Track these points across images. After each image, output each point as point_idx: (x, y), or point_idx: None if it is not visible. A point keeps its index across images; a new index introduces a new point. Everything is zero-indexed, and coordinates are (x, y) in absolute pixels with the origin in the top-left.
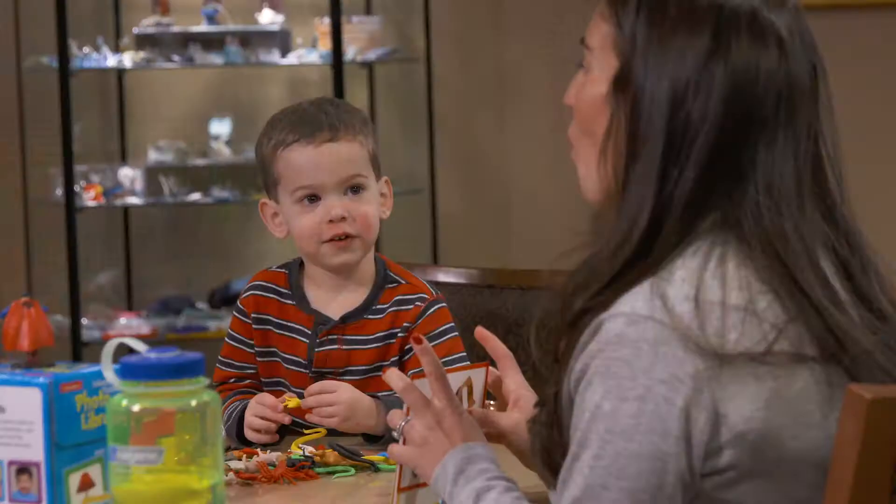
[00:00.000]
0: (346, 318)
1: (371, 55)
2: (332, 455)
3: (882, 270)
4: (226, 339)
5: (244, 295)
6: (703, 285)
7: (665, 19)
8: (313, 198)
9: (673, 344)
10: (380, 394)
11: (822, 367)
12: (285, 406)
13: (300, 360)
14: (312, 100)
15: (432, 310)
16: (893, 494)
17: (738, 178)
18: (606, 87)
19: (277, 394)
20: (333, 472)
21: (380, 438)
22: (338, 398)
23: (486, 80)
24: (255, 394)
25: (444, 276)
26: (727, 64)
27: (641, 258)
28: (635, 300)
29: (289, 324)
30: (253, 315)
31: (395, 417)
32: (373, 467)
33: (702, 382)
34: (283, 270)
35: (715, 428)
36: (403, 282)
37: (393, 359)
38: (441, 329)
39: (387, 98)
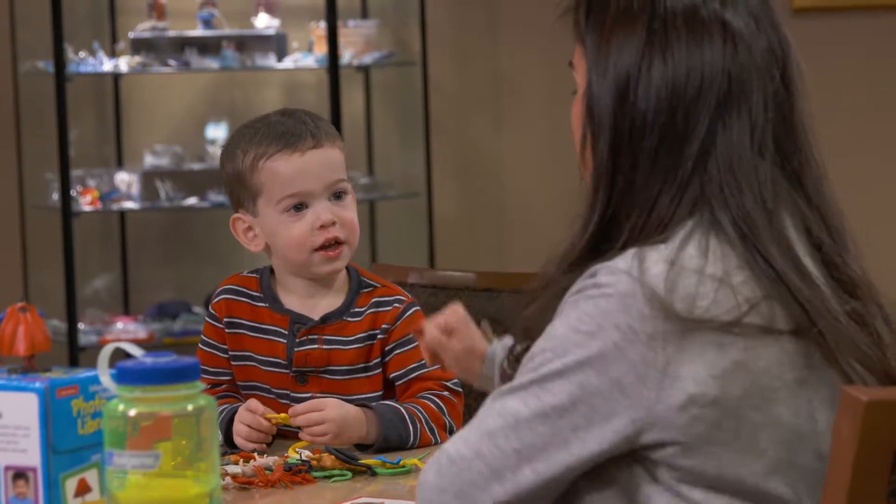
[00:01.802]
0: (326, 319)
1: (367, 59)
2: (328, 459)
3: (851, 243)
4: (199, 345)
5: (215, 299)
6: (684, 253)
7: (605, 21)
8: (300, 206)
9: (640, 300)
10: (372, 404)
11: (795, 343)
12: (273, 420)
13: (279, 360)
14: (279, 111)
15: (410, 312)
16: (890, 496)
17: (698, 163)
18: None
19: (256, 398)
20: (330, 477)
21: (371, 446)
22: (326, 416)
23: (482, 84)
24: (234, 398)
25: (441, 280)
26: (665, 57)
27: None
28: (621, 258)
29: (263, 326)
30: (225, 319)
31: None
32: (370, 471)
33: (657, 343)
34: (254, 275)
35: (666, 388)
36: (378, 285)
37: (375, 360)
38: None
39: (383, 102)
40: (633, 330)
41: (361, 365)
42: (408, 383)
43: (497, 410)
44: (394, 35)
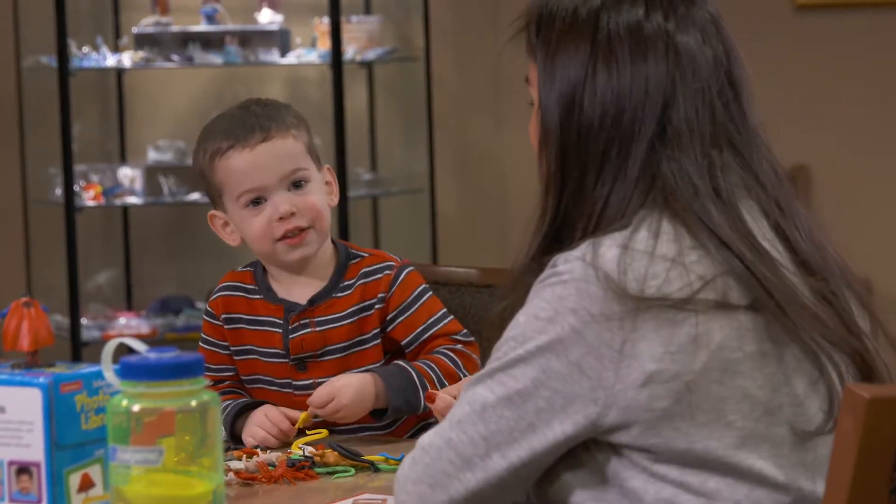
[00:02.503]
0: (313, 301)
1: (370, 55)
2: (332, 455)
3: (804, 219)
4: (200, 343)
5: (212, 298)
6: (637, 236)
7: (552, 37)
8: (259, 200)
9: (594, 283)
10: (378, 370)
11: (753, 317)
12: (297, 426)
13: (277, 350)
14: (240, 103)
15: (403, 275)
16: (892, 493)
17: (646, 162)
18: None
19: (258, 392)
20: (333, 473)
21: (385, 412)
22: (339, 403)
23: (485, 80)
24: (237, 393)
25: (443, 276)
26: (609, 69)
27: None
28: (578, 247)
29: (260, 318)
30: (223, 316)
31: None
32: (372, 467)
33: (613, 324)
34: (249, 269)
35: (624, 367)
36: (365, 254)
37: (374, 331)
38: (417, 292)
39: (386, 98)
40: (588, 313)
41: (357, 339)
42: (419, 346)
43: (467, 399)
44: (397, 31)
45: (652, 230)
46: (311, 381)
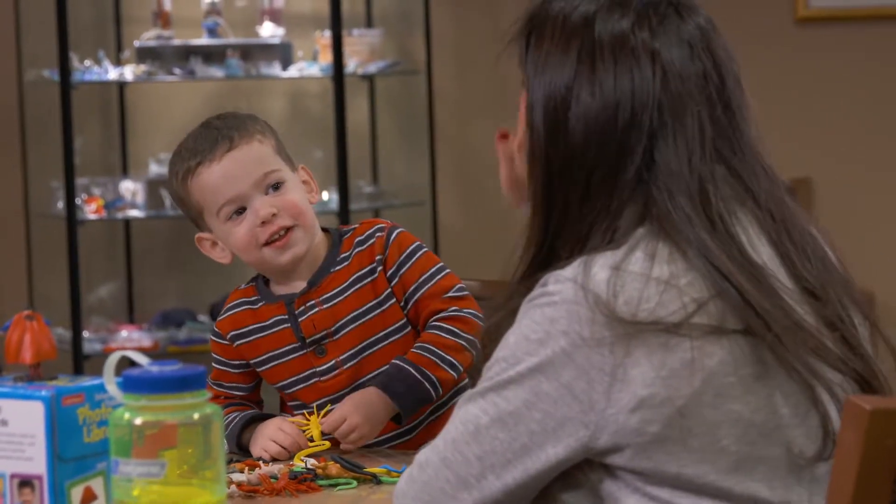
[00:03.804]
0: (313, 282)
1: (372, 68)
2: (334, 467)
3: (807, 235)
4: (213, 363)
5: (219, 319)
6: (631, 258)
7: (542, 46)
8: (240, 210)
9: (584, 305)
10: (382, 381)
11: (747, 340)
12: (310, 446)
13: (292, 345)
14: (202, 122)
15: (395, 234)
16: None
17: (636, 189)
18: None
19: (296, 395)
20: (336, 485)
21: (401, 417)
22: (352, 423)
23: (486, 92)
24: (246, 405)
25: None
26: (592, 89)
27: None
28: (570, 266)
29: (267, 323)
30: (230, 335)
31: None
32: (375, 479)
33: (604, 348)
34: (252, 283)
35: (615, 391)
36: (356, 226)
37: (385, 292)
38: (412, 248)
39: (387, 111)
40: (579, 335)
41: (370, 304)
42: (416, 306)
43: (461, 417)
44: (398, 44)
45: (646, 251)
46: (332, 362)
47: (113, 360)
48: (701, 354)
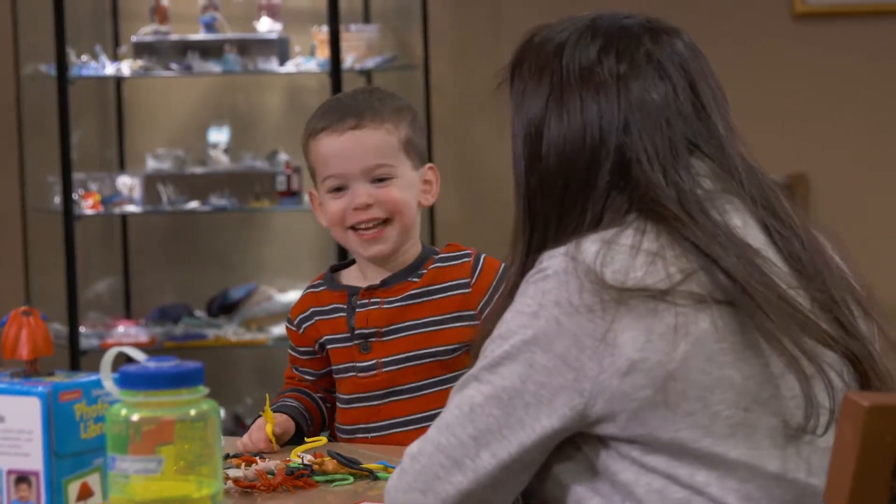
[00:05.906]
0: (387, 282)
1: (369, 63)
2: (330, 463)
3: (797, 221)
4: (288, 347)
5: (293, 307)
6: (623, 233)
7: (522, 80)
8: (341, 187)
9: (575, 275)
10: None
11: (735, 310)
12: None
13: (343, 334)
14: (356, 88)
15: (482, 260)
16: (892, 501)
17: (609, 189)
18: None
19: (336, 384)
20: (332, 481)
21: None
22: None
23: (484, 87)
24: (301, 394)
25: None
26: (561, 115)
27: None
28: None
29: (326, 308)
30: (297, 319)
31: None
32: (371, 475)
33: (595, 314)
34: (321, 273)
35: (607, 356)
36: (442, 247)
37: (452, 314)
38: (502, 270)
39: None
40: (570, 304)
41: (429, 319)
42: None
43: (455, 403)
44: (396, 39)
45: (637, 228)
46: (373, 361)
47: (110, 356)
48: (686, 321)
